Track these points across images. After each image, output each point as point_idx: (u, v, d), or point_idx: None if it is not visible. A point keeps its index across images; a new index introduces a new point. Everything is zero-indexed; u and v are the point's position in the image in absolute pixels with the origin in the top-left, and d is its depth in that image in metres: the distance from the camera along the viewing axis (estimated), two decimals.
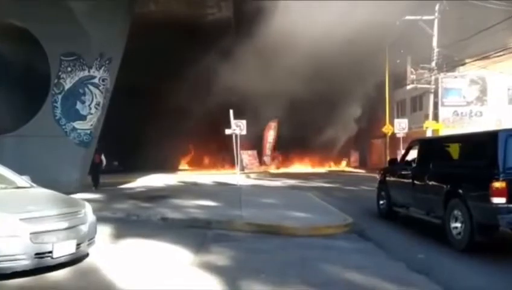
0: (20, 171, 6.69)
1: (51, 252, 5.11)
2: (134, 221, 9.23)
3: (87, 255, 5.90)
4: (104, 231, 7.48)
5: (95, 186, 16.01)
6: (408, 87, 26.81)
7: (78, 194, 11.91)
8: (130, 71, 17.02)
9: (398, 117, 28.53)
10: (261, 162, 32.73)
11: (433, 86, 24.95)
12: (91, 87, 14.91)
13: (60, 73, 14.77)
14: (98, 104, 14.95)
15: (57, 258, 5.18)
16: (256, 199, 12.25)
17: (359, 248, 7.00)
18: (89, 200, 9.01)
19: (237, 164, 18.83)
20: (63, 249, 5.25)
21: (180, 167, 34.51)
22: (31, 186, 6.35)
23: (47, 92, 14.82)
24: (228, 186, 18.06)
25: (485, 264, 6.04)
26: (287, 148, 33.74)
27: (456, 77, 25.47)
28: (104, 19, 14.42)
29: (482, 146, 6.76)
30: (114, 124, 18.75)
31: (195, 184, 19.55)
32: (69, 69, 14.79)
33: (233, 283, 5.02)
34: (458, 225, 6.65)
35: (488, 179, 6.06)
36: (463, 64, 23.76)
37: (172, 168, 30.49)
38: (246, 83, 25.30)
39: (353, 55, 24.52)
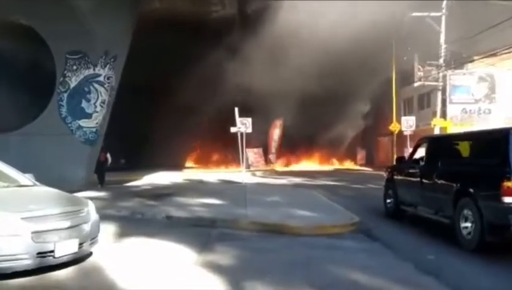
0: (26, 170, 6.64)
1: (52, 251, 5.04)
2: (139, 219, 9.18)
3: (90, 254, 5.84)
4: (108, 230, 7.42)
5: (101, 184, 16.01)
6: (415, 84, 26.56)
7: (83, 192, 11.92)
8: (135, 69, 16.98)
9: (405, 115, 28.24)
10: (267, 160, 32.65)
11: (441, 83, 24.68)
12: (96, 85, 14.91)
13: (65, 71, 14.79)
14: (103, 102, 14.94)
15: (59, 257, 5.12)
16: (262, 198, 12.15)
17: (366, 248, 6.87)
18: (94, 198, 9.01)
19: (242, 162, 18.74)
20: (65, 248, 5.18)
21: (187, 165, 34.51)
22: (34, 185, 6.29)
23: (52, 91, 14.83)
24: (233, 184, 18.00)
25: (495, 265, 5.90)
26: (293, 145, 33.62)
27: (464, 74, 25.16)
28: (108, 17, 14.40)
29: (492, 144, 6.60)
30: (121, 122, 18.78)
31: (200, 182, 19.52)
32: (75, 67, 14.80)
33: (237, 283, 4.93)
34: (468, 224, 6.50)
35: (499, 178, 5.91)
36: (471, 61, 23.48)
37: (178, 165, 30.48)
38: (253, 80, 25.19)
39: (360, 52, 24.30)
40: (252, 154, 30.51)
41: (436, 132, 23.30)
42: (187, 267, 5.59)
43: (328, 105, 29.27)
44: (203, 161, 35.29)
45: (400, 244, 7.10)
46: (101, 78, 14.87)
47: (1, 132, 14.12)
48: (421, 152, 8.95)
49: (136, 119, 26.01)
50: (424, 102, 28.55)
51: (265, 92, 26.16)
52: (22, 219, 4.94)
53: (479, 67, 23.64)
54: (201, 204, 10.69)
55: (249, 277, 5.15)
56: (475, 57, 22.30)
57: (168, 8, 20.31)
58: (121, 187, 15.92)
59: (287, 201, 11.38)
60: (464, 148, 7.49)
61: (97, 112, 14.89)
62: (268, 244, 7.00)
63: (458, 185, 6.87)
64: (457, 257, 6.23)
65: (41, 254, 4.97)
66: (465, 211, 6.57)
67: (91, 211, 5.87)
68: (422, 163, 8.52)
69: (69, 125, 14.79)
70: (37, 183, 6.39)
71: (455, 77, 25.12)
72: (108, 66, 14.88)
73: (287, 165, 34.28)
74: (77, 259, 5.49)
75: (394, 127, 26.29)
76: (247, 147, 20.33)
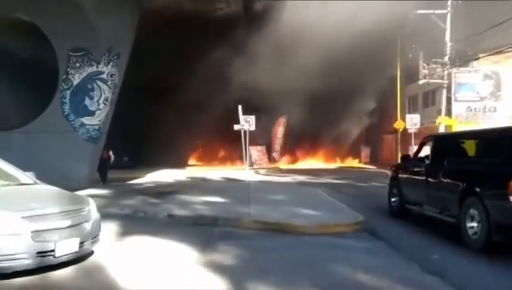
0: (29, 168, 6.59)
1: (53, 250, 4.99)
2: (141, 218, 9.13)
3: (91, 253, 5.79)
4: (110, 228, 7.39)
5: (103, 182, 15.99)
6: (420, 82, 26.39)
7: (86, 190, 11.87)
8: (139, 67, 16.92)
9: (409, 112, 28.10)
10: (271, 158, 32.61)
11: (446, 81, 24.50)
12: (99, 82, 14.85)
13: (68, 68, 14.72)
14: (106, 99, 14.88)
15: (59, 257, 5.06)
16: (265, 196, 12.08)
17: (370, 247, 6.78)
18: (96, 196, 8.98)
19: (246, 159, 18.67)
20: (66, 247, 5.13)
21: (190, 163, 34.48)
22: (35, 183, 6.24)
23: (55, 88, 14.79)
24: (237, 182, 17.93)
25: (501, 265, 5.81)
26: (297, 143, 33.50)
27: (469, 72, 24.96)
28: (112, 14, 14.32)
29: (499, 142, 6.50)
30: (124, 120, 18.71)
31: (203, 180, 19.47)
32: (78, 64, 14.74)
33: (239, 282, 4.87)
34: (474, 224, 6.40)
35: (507, 177, 5.81)
36: (476, 59, 23.30)
37: (182, 163, 30.42)
38: (257, 79, 25.10)
39: (365, 50, 24.17)
40: (256, 152, 30.45)
41: (441, 130, 23.16)
42: (189, 266, 5.53)
43: (333, 103, 29.16)
44: (207, 159, 35.28)
45: (405, 244, 7.00)
46: (104, 76, 14.80)
47: (3, 130, 14.09)
48: (426, 150, 8.85)
49: (139, 117, 25.93)
50: (428, 100, 28.37)
51: (270, 90, 26.07)
52: (22, 218, 4.89)
53: (484, 65, 23.45)
54: (203, 202, 10.63)
55: (251, 277, 5.09)
56: (480, 55, 22.11)
57: (172, 6, 20.23)
58: (124, 185, 15.89)
59: (290, 199, 11.31)
60: (470, 146, 7.40)
61: (100, 109, 14.83)
62: (272, 244, 6.93)
63: (464, 184, 6.77)
64: (462, 257, 6.14)
65: (42, 254, 4.92)
66: (471, 211, 6.48)
67: (92, 209, 5.81)
68: (427, 161, 8.41)
69: (72, 122, 14.74)
70: (38, 181, 6.34)
71: (460, 75, 24.93)
72: (111, 63, 14.82)
73: (291, 163, 34.21)
74: (78, 258, 5.43)
75: (399, 125, 26.15)
76: (250, 144, 20.26)
